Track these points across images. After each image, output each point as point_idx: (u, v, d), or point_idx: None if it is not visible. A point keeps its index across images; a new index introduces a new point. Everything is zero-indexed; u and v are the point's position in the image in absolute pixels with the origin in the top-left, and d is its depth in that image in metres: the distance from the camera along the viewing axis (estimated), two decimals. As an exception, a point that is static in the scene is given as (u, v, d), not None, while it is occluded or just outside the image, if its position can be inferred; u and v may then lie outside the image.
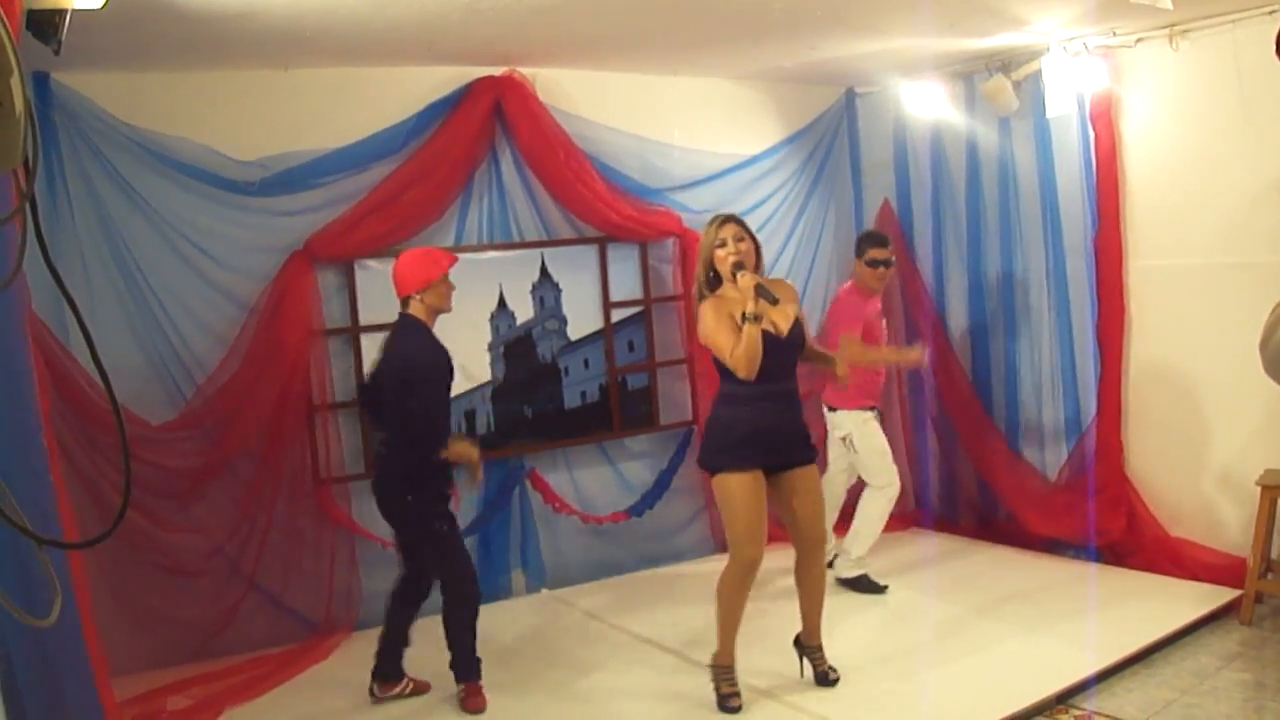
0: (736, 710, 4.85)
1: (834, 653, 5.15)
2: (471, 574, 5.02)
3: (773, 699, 4.92)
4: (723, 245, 4.79)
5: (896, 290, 7.68)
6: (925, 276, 7.61)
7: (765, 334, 4.64)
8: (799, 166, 7.72)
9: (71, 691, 3.04)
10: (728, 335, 4.66)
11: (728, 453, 4.79)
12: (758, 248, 4.91)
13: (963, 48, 6.54)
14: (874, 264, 6.35)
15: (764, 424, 4.79)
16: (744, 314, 4.59)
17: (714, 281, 4.90)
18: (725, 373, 4.79)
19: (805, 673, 5.10)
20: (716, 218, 4.91)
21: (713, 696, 4.91)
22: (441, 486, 4.95)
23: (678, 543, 7.23)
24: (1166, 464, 6.36)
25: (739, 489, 4.74)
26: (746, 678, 4.98)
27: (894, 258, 6.41)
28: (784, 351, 4.79)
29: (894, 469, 6.40)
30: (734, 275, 4.73)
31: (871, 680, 5.06)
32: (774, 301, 4.62)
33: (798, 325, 4.87)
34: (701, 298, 4.89)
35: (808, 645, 5.10)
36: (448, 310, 4.98)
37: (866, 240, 6.54)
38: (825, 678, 5.02)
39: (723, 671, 4.93)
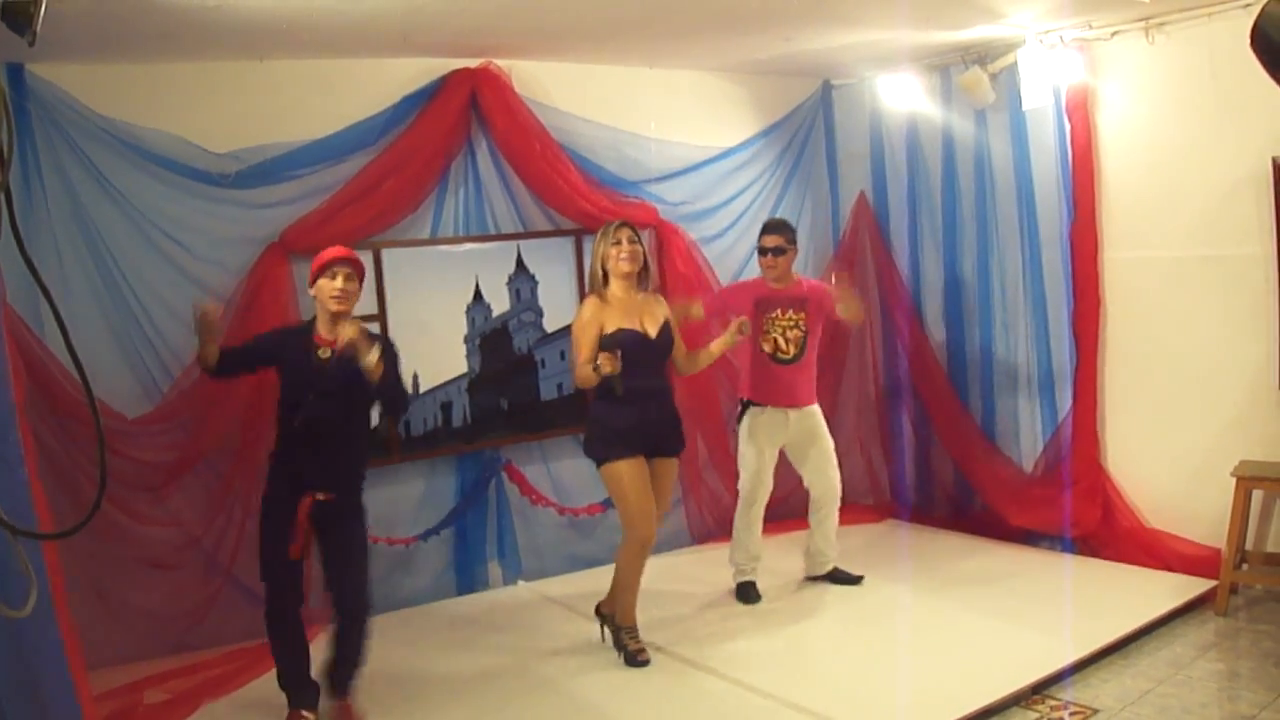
0: (646, 664, 5.31)
1: (811, 644, 5.15)
2: None
3: (754, 692, 4.91)
4: (618, 244, 5.32)
5: (873, 283, 7.72)
6: (901, 268, 7.63)
7: (635, 335, 5.28)
8: (775, 159, 7.74)
9: (47, 684, 3.02)
10: (585, 345, 5.25)
11: (613, 444, 5.29)
12: (646, 255, 5.46)
13: (939, 40, 6.56)
14: (761, 251, 6.12)
15: (641, 416, 5.29)
16: (597, 367, 5.05)
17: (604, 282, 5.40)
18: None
19: (606, 639, 5.55)
20: (609, 224, 5.43)
21: (691, 686, 5.00)
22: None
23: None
24: (1142, 455, 6.40)
25: (627, 474, 5.24)
26: (751, 679, 5.02)
27: (786, 245, 6.01)
28: (652, 352, 5.37)
29: (747, 476, 6.15)
30: (605, 358, 5.07)
31: (847, 671, 5.09)
32: (612, 387, 5.10)
33: (665, 329, 5.41)
34: (591, 290, 5.47)
35: (608, 614, 5.57)
36: (330, 310, 4.72)
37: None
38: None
39: (629, 630, 5.43)
